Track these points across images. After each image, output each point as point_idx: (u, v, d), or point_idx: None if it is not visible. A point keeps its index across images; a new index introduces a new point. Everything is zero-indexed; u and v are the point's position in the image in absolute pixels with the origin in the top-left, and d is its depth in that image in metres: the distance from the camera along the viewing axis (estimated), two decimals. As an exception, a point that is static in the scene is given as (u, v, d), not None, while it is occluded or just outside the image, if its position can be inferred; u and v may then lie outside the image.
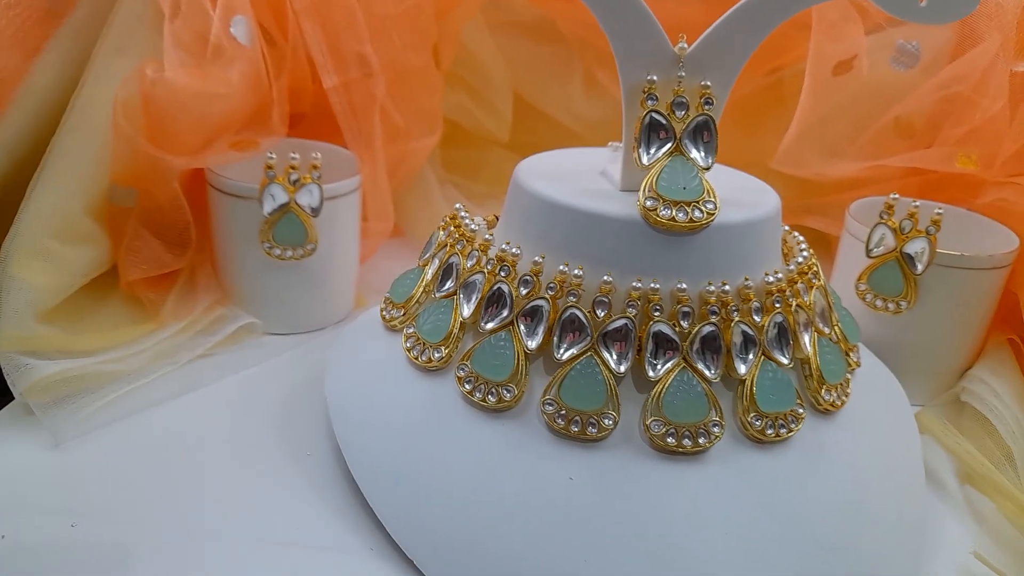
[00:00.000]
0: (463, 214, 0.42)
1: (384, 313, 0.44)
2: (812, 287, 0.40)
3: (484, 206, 0.70)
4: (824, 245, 0.67)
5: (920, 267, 0.48)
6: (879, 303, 0.50)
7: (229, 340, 0.52)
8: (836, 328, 0.42)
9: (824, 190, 0.68)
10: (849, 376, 0.41)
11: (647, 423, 0.35)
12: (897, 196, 0.49)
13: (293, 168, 0.48)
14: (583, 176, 0.41)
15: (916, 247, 0.48)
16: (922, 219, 0.48)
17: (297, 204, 0.49)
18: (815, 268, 0.41)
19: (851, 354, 0.42)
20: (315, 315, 0.55)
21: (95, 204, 0.49)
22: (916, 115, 0.61)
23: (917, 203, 0.48)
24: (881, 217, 0.49)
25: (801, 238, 0.44)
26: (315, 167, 0.49)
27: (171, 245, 0.52)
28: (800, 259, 0.41)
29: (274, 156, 0.48)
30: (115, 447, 0.42)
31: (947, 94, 0.60)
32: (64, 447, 0.42)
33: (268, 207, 0.49)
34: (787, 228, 0.45)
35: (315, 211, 0.50)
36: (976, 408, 0.48)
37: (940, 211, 0.47)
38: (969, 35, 0.60)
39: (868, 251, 0.50)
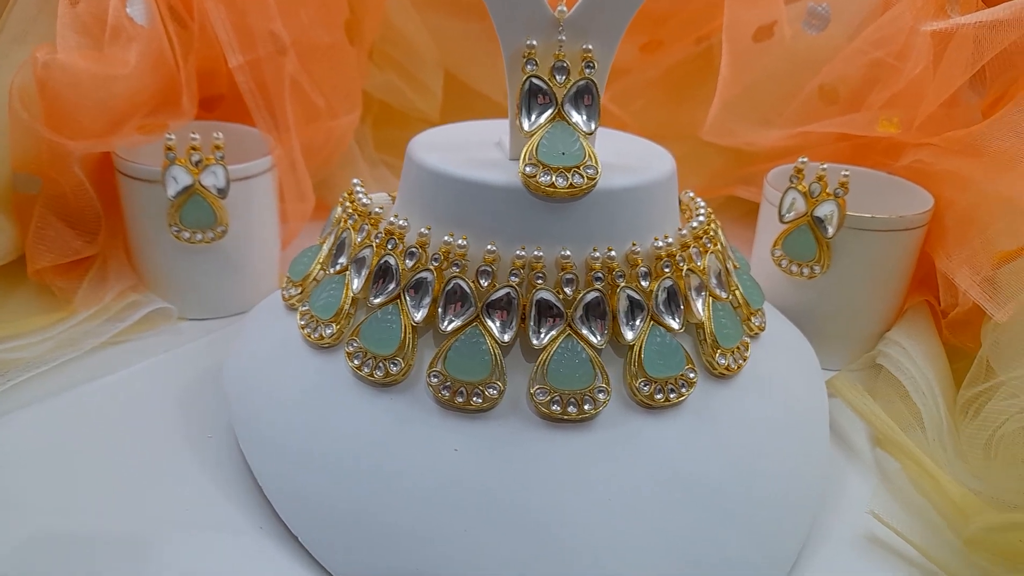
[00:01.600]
0: (358, 189, 0.42)
1: (284, 292, 0.43)
2: (707, 251, 0.40)
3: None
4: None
5: (831, 230, 0.48)
6: (794, 268, 0.50)
7: (143, 327, 0.51)
8: (737, 292, 0.42)
9: (756, 159, 0.68)
10: (748, 340, 0.40)
11: (532, 391, 0.35)
12: (806, 160, 0.48)
13: (194, 149, 0.48)
14: (477, 146, 0.41)
15: (825, 210, 0.47)
16: (831, 183, 0.48)
17: (202, 186, 0.48)
18: (711, 233, 0.41)
19: (753, 318, 0.42)
20: (234, 299, 0.54)
21: (-2, 192, 0.48)
22: (840, 81, 0.60)
23: (825, 166, 0.48)
24: (791, 182, 0.49)
25: (702, 203, 0.43)
26: (217, 147, 0.48)
27: (81, 232, 0.51)
28: (695, 224, 0.40)
29: (173, 137, 0.47)
30: (14, 435, 0.41)
31: (872, 59, 0.59)
32: (-38, 437, 0.41)
33: (172, 190, 0.48)
34: (691, 194, 0.45)
35: (222, 192, 0.49)
36: (890, 370, 0.48)
37: (846, 173, 0.47)
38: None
39: (781, 217, 0.50)
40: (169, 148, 0.47)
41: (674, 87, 0.70)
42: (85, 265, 0.52)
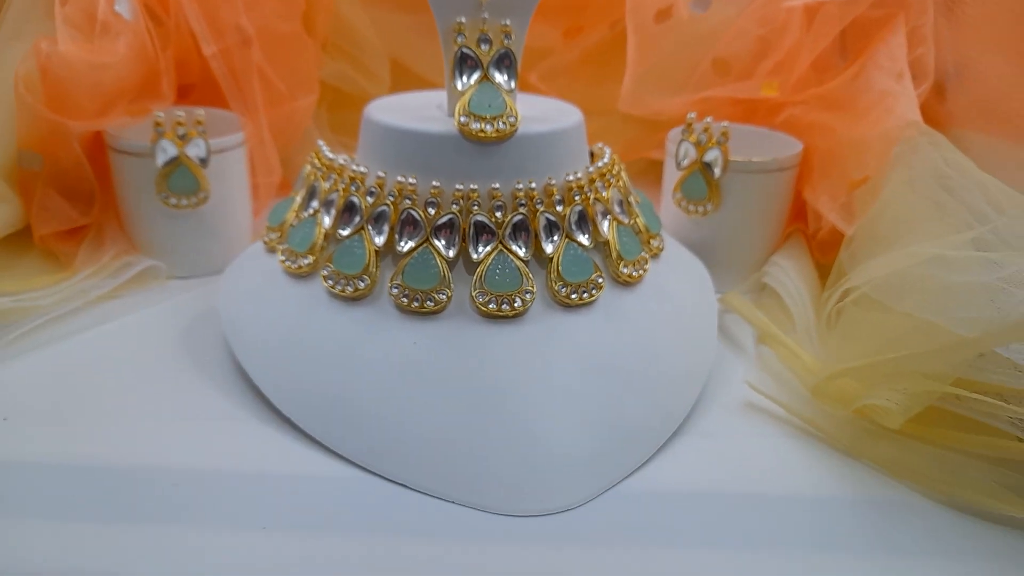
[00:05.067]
0: (324, 148, 0.50)
1: (264, 238, 0.52)
2: (610, 186, 0.49)
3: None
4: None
5: (717, 172, 0.58)
6: (691, 208, 0.60)
7: (136, 283, 0.59)
8: (637, 220, 0.51)
9: (665, 127, 0.78)
10: (646, 255, 0.50)
11: (473, 295, 0.44)
12: (694, 115, 0.58)
13: (180, 124, 0.56)
14: (422, 108, 0.50)
15: (712, 156, 0.57)
16: (716, 134, 0.58)
17: (187, 156, 0.56)
18: (615, 171, 0.50)
19: (652, 241, 0.52)
20: (215, 260, 0.62)
21: (6, 169, 0.56)
22: (731, 56, 0.71)
23: (709, 119, 0.58)
24: (683, 134, 0.59)
25: (608, 150, 0.53)
26: (199, 123, 0.56)
27: (77, 203, 0.59)
28: (600, 164, 0.50)
29: (162, 115, 0.55)
30: (31, 372, 0.48)
31: (756, 35, 0.70)
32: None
33: (160, 159, 0.56)
34: (601, 145, 0.54)
35: (203, 162, 0.57)
36: (772, 286, 0.58)
37: (726, 125, 0.57)
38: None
39: (677, 164, 0.60)
40: (158, 124, 0.55)
41: (593, 66, 0.80)
42: (83, 232, 0.59)
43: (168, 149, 0.56)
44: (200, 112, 0.57)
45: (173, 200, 0.58)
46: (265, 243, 0.52)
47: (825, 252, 0.60)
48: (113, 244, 0.59)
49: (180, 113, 0.56)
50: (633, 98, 0.73)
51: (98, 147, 0.59)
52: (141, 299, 0.58)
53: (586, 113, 0.54)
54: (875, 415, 0.42)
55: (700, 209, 0.59)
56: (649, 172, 0.82)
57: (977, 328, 0.39)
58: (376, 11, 0.78)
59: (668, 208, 0.63)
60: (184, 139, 0.56)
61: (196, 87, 0.69)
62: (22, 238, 0.58)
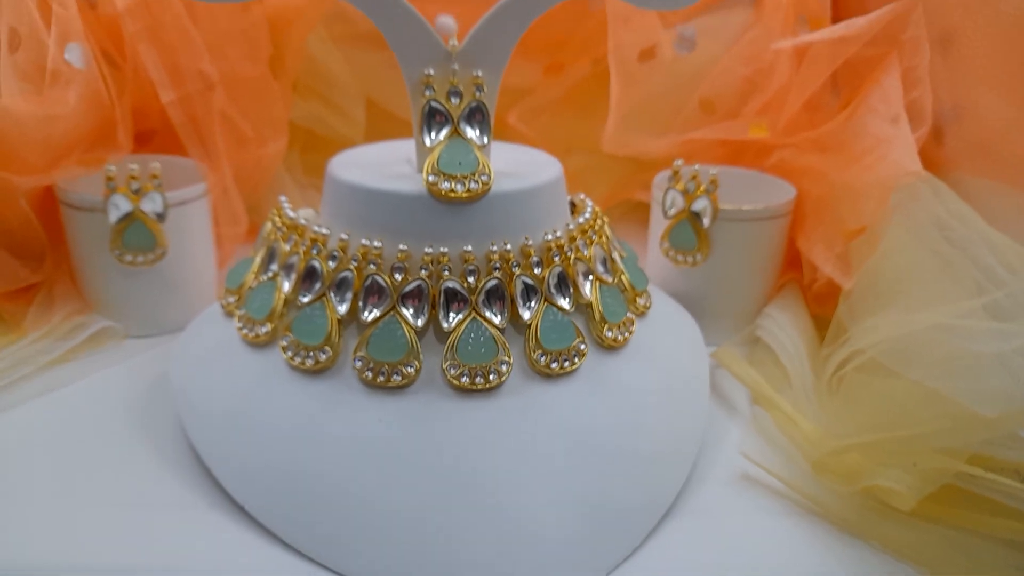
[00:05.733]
0: (285, 205, 0.47)
1: (222, 301, 0.48)
2: (592, 243, 0.46)
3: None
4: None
5: (707, 222, 0.55)
6: (680, 258, 0.57)
7: (90, 344, 0.55)
8: (623, 277, 0.48)
9: (652, 167, 0.75)
10: (632, 316, 0.47)
11: (444, 367, 0.40)
12: (682, 162, 0.55)
13: (133, 178, 0.52)
14: (389, 163, 0.47)
15: (700, 205, 0.54)
16: (704, 181, 0.55)
17: (142, 211, 0.53)
18: (597, 227, 0.47)
19: (638, 299, 0.49)
20: (176, 317, 0.58)
21: (-53, 226, 0.52)
22: (716, 96, 0.68)
23: (696, 167, 0.55)
24: (670, 182, 0.56)
25: (591, 203, 0.50)
26: (155, 176, 0.53)
27: (27, 260, 0.55)
28: (581, 220, 0.47)
29: (114, 168, 0.52)
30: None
31: (742, 75, 0.67)
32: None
33: (113, 216, 0.52)
34: (582, 196, 0.51)
35: (160, 216, 0.54)
36: (766, 341, 0.55)
37: (715, 172, 0.54)
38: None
39: (665, 213, 0.57)
40: (110, 178, 0.52)
41: (576, 104, 0.77)
42: (33, 291, 0.56)
43: (121, 205, 0.52)
44: (156, 165, 0.53)
45: (128, 257, 0.54)
46: (222, 306, 0.48)
47: (822, 303, 0.57)
48: (65, 303, 0.56)
49: (134, 166, 0.52)
50: (617, 139, 0.70)
51: (49, 199, 0.56)
52: (95, 360, 0.54)
53: (569, 152, 0.51)
54: (883, 495, 0.39)
55: (689, 259, 0.56)
56: (635, 213, 0.79)
57: (993, 402, 0.35)
58: (350, 49, 0.75)
59: (655, 257, 0.60)
60: (139, 193, 0.53)
61: (158, 133, 0.65)
62: (-34, 299, 0.54)
